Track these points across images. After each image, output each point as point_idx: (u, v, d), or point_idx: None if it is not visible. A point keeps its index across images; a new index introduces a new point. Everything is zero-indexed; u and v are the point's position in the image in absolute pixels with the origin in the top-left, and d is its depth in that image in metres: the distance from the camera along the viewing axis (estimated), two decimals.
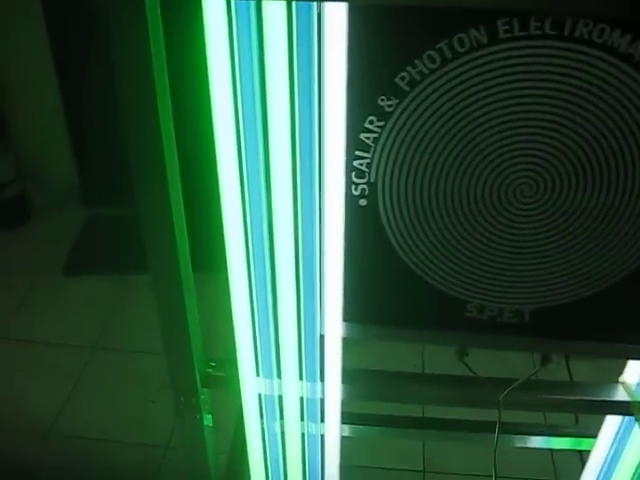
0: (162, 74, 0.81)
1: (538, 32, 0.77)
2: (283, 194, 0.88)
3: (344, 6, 0.76)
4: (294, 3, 0.76)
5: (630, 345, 0.96)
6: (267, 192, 0.89)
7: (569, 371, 1.06)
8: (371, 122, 0.84)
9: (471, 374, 1.03)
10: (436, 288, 0.94)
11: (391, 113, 0.83)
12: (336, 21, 0.77)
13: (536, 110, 0.81)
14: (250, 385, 1.05)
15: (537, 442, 1.40)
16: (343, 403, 1.10)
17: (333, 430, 1.10)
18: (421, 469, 1.81)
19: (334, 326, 0.97)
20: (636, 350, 0.97)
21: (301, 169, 0.86)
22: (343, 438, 1.20)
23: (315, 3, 0.76)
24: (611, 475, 1.22)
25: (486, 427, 1.30)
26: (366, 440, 1.66)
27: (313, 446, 1.13)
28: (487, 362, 1.20)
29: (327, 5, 0.76)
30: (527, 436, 1.38)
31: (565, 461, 1.78)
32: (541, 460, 1.82)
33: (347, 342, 0.99)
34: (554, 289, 0.93)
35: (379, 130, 0.84)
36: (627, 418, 1.12)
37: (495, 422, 1.13)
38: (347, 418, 1.39)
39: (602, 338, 0.96)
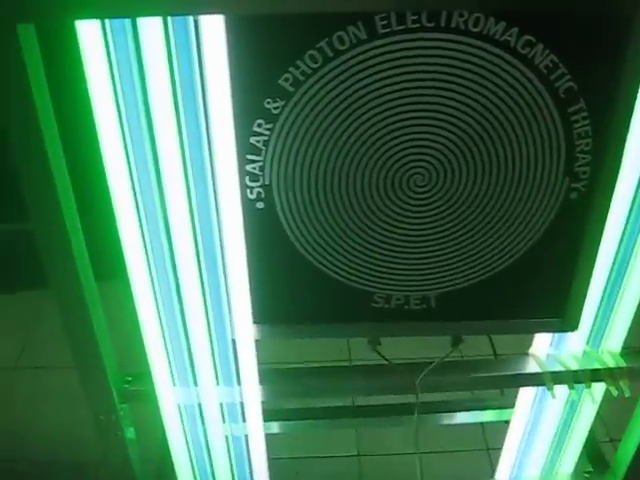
0: (43, 91, 0.79)
1: (416, 25, 0.78)
2: (178, 202, 0.87)
3: (221, 16, 0.75)
4: (169, 18, 0.74)
5: (530, 320, 0.99)
6: (161, 202, 0.87)
7: (492, 345, 1.08)
8: (259, 125, 0.83)
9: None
10: (341, 282, 0.95)
11: (278, 115, 0.82)
12: (214, 29, 0.76)
13: (422, 101, 0.82)
14: (168, 396, 1.04)
15: (462, 418, 1.44)
16: (267, 401, 1.10)
17: (256, 431, 1.10)
18: (356, 453, 1.84)
19: (245, 330, 0.97)
20: (537, 324, 1.00)
21: (194, 177, 0.85)
22: (272, 434, 1.21)
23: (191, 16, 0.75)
24: (532, 442, 1.26)
25: (409, 409, 1.33)
26: (299, 433, 1.67)
27: (238, 448, 1.13)
28: (406, 346, 1.23)
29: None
30: (451, 413, 1.42)
31: (495, 430, 1.82)
32: (473, 431, 1.86)
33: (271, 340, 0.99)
34: (456, 273, 0.95)
35: (268, 133, 0.84)
36: (541, 387, 1.15)
37: (423, 403, 1.16)
38: (271, 415, 1.41)
39: (505, 316, 0.99)
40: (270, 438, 1.43)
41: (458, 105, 0.83)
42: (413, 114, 0.83)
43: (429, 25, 0.78)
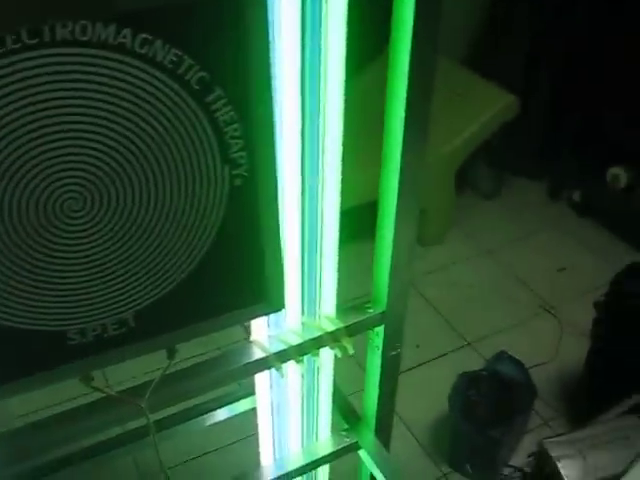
0: None
1: (17, 45, 0.70)
2: None
3: None
4: None
5: (236, 311, 0.98)
6: None
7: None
8: None
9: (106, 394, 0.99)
10: (23, 330, 0.87)
11: None
12: None
13: (50, 123, 0.75)
14: None
15: (222, 414, 1.43)
16: None
17: None
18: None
19: None
20: (245, 313, 1.00)
21: None
22: None
23: None
24: (284, 421, 1.27)
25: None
26: None
27: None
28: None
29: None
30: (208, 413, 1.41)
31: None
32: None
33: None
34: (141, 290, 0.90)
35: None
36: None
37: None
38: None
39: (210, 315, 0.97)
40: None
41: (91, 120, 0.77)
42: (50, 137, 0.76)
43: (32, 42, 0.71)
